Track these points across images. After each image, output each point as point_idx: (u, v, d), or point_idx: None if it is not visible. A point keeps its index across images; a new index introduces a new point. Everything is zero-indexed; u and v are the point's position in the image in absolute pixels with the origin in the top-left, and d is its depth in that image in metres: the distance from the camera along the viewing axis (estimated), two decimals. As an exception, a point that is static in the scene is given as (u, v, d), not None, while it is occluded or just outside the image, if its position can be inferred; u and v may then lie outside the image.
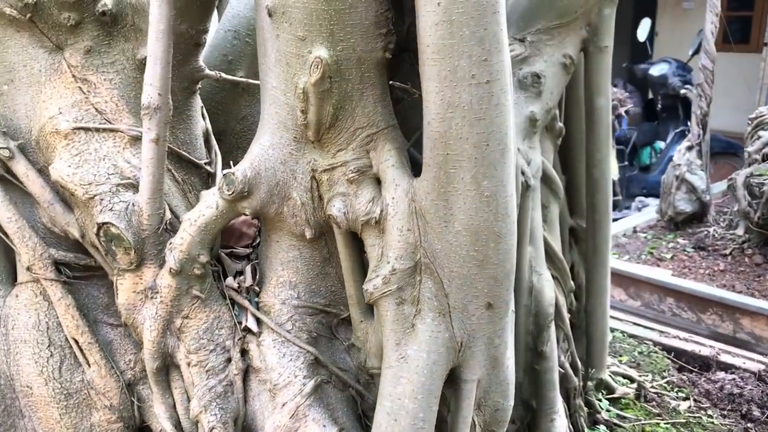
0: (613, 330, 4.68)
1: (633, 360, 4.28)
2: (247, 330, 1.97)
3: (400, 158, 1.74)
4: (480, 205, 1.64)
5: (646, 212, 7.07)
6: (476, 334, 1.77)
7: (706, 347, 4.47)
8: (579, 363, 3.44)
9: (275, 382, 1.89)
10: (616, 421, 3.51)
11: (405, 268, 1.72)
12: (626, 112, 7.97)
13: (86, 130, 1.89)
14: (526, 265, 3.04)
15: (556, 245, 3.31)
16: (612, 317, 4.84)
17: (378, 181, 1.76)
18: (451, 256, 1.69)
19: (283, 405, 1.86)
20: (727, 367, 4.24)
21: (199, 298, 1.92)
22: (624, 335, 4.63)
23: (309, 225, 1.86)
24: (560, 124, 3.33)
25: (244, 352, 1.98)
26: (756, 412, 3.73)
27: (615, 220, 6.89)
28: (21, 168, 1.92)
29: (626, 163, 8.42)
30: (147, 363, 1.97)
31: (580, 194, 3.55)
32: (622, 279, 5.41)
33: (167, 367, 2.01)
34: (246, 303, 1.98)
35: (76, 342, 2.02)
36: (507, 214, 1.68)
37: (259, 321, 1.96)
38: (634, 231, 6.49)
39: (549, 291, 3.10)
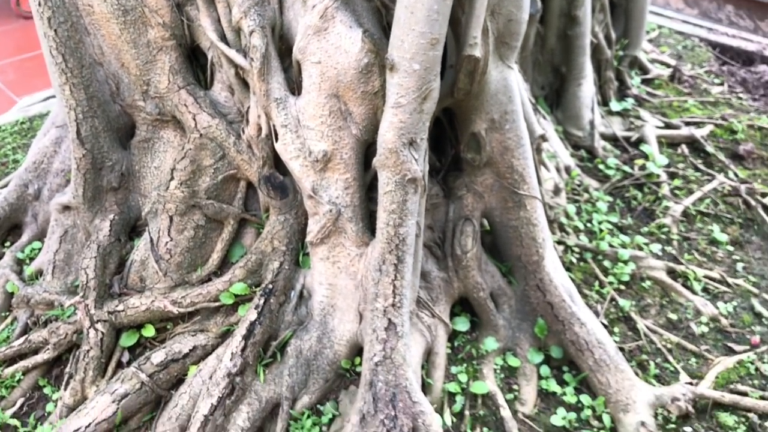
0: (660, 26, 4.65)
1: (675, 53, 4.30)
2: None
3: None
4: None
5: None
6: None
7: (753, 43, 4.42)
8: (613, 35, 3.51)
9: (306, -13, 2.05)
10: (645, 96, 3.65)
11: None
12: None
13: None
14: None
15: None
16: (660, 15, 4.79)
17: None
18: None
19: (313, 7, 2.04)
20: (770, 61, 4.25)
21: None
22: (671, 31, 4.61)
23: None
24: None
25: (278, -34, 2.13)
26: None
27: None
28: None
29: None
30: (191, -25, 2.15)
31: None
32: (680, -15, 5.25)
33: (210, -20, 2.19)
34: None
35: (127, -41, 2.20)
36: None
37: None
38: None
39: (587, -47, 3.09)
